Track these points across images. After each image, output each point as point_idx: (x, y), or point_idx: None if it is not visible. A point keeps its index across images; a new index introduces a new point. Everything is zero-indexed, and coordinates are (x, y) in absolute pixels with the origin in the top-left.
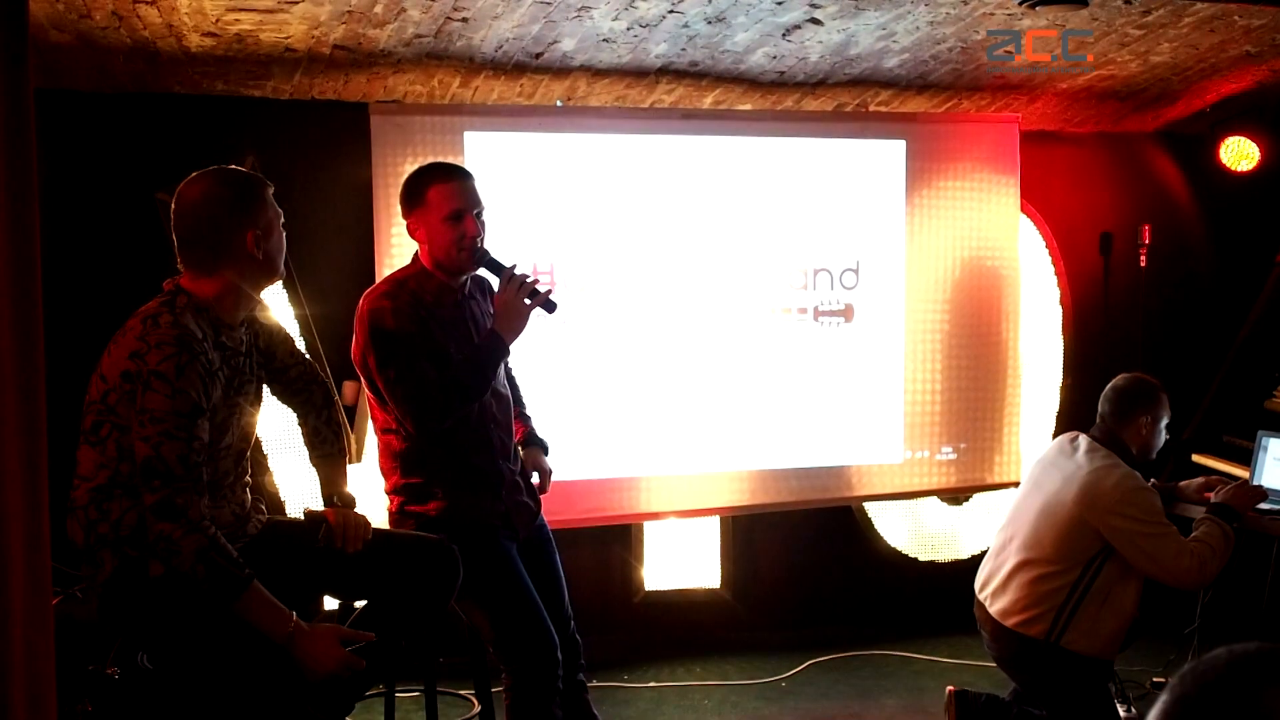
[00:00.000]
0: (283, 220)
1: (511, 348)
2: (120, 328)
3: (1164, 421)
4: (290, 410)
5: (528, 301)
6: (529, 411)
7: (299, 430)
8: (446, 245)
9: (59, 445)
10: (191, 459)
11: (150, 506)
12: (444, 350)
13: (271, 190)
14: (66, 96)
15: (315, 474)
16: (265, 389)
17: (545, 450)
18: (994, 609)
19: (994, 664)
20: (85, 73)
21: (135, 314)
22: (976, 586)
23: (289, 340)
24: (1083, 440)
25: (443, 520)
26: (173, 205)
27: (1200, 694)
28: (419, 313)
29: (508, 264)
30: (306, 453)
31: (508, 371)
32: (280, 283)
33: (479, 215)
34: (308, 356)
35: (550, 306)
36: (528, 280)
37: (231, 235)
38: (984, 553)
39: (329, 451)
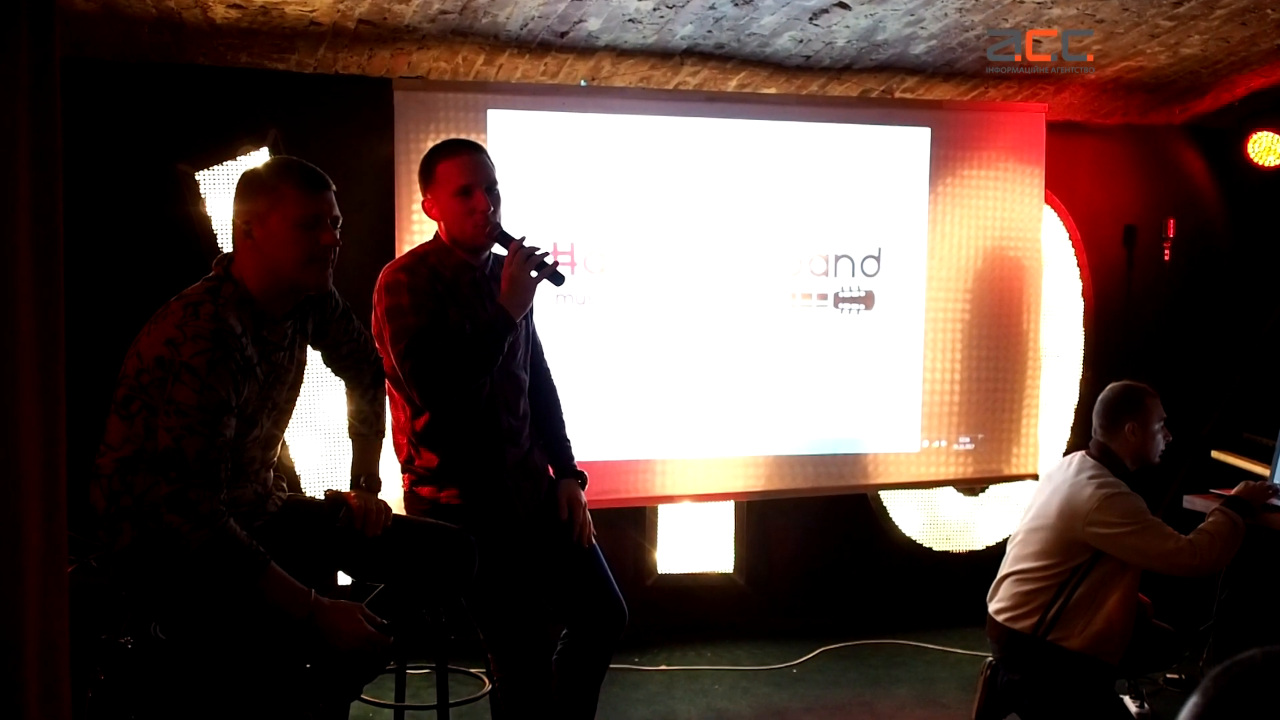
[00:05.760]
0: (340, 224)
1: (535, 331)
2: (163, 305)
3: (1155, 425)
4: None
5: (534, 274)
6: (569, 434)
7: (344, 403)
8: (458, 220)
9: (76, 413)
10: (211, 455)
11: (164, 497)
12: (459, 327)
13: (332, 191)
14: (89, 65)
15: (350, 449)
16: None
17: (583, 483)
18: (991, 609)
19: None
20: (109, 42)
21: (180, 295)
22: (987, 598)
23: (345, 318)
24: (1077, 457)
25: (447, 508)
26: (237, 186)
27: (1235, 694)
28: (435, 288)
29: (517, 236)
30: (333, 430)
31: (540, 368)
32: None
33: (490, 190)
34: (364, 333)
35: (557, 279)
36: (535, 252)
37: None
38: (999, 544)
39: (366, 432)
